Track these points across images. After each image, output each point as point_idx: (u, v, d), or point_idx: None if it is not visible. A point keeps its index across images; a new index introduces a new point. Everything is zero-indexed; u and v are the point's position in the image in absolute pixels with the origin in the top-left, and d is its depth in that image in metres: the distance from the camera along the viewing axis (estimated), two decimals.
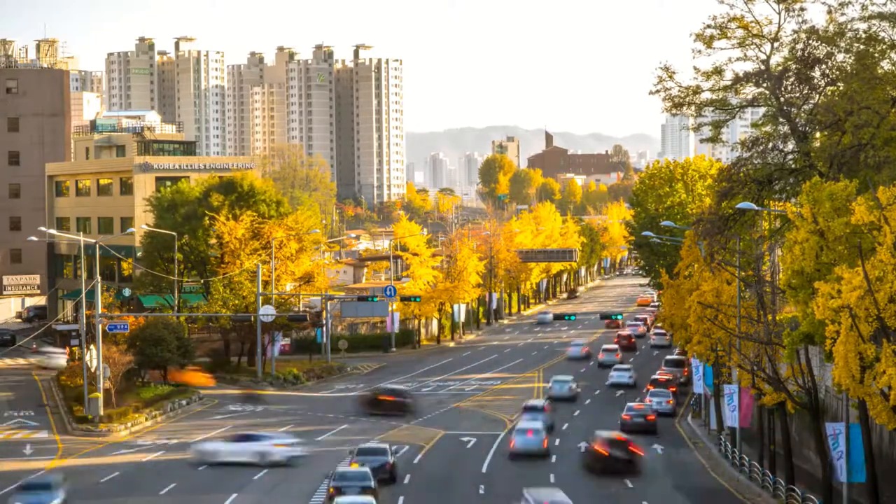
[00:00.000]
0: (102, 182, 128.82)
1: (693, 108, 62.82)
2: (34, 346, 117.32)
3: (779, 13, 59.69)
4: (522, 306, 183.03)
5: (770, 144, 58.62)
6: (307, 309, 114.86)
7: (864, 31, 57.76)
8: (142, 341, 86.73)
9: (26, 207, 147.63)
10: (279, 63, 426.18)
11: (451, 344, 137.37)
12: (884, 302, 36.13)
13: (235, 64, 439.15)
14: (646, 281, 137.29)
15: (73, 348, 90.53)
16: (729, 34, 60.30)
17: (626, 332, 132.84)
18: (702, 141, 73.81)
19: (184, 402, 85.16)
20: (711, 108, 62.73)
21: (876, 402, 37.39)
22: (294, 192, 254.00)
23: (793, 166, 57.96)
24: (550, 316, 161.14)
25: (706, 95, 62.27)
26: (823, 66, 58.34)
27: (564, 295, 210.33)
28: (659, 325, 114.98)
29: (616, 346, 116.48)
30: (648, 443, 68.20)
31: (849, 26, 58.44)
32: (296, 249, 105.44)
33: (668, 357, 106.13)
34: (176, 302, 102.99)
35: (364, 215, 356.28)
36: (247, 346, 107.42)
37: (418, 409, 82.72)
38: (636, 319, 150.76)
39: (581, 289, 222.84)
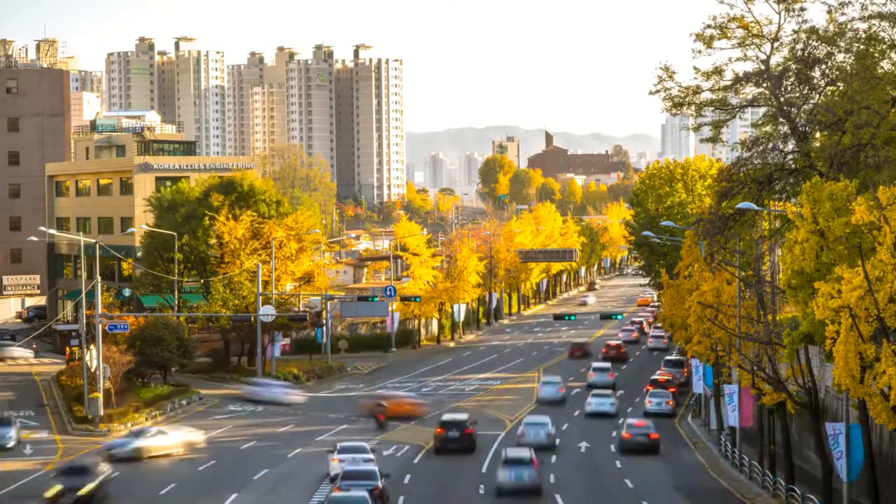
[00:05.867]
0: (102, 182, 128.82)
1: (693, 108, 62.75)
2: (34, 346, 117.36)
3: (779, 13, 59.65)
4: (522, 306, 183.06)
5: (770, 144, 58.56)
6: (307, 309, 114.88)
7: (864, 31, 57.71)
8: (142, 341, 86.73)
9: (26, 207, 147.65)
10: (279, 63, 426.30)
11: (452, 344, 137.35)
12: (884, 302, 36.12)
13: (235, 64, 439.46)
14: (646, 280, 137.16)
15: (74, 348, 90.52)
16: (729, 34, 60.24)
17: (613, 342, 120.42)
18: (702, 141, 73.77)
19: (184, 402, 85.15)
20: (711, 108, 62.65)
21: (876, 402, 37.39)
22: (294, 192, 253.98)
23: (793, 166, 57.93)
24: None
25: (706, 95, 62.22)
26: (823, 66, 58.28)
27: (583, 287, 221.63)
28: (658, 324, 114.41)
29: (608, 366, 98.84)
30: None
31: (849, 26, 58.39)
32: (296, 249, 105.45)
33: (668, 358, 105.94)
34: (176, 302, 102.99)
35: (364, 215, 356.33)
36: (247, 346, 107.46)
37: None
38: (632, 323, 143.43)
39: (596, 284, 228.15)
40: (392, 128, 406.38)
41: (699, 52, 60.80)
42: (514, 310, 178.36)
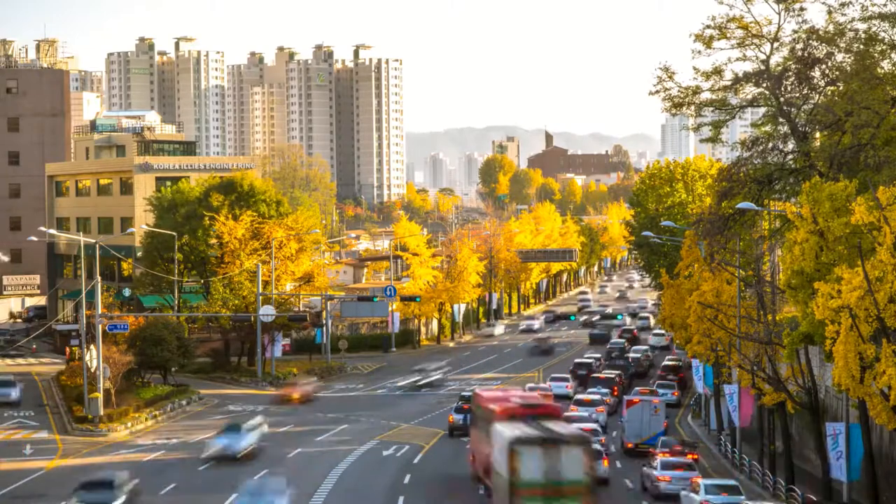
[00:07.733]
0: (102, 182, 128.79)
1: (693, 108, 62.73)
2: (34, 346, 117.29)
3: (778, 13, 59.64)
4: (522, 306, 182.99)
5: (770, 144, 58.57)
6: (307, 309, 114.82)
7: (864, 31, 57.68)
8: (142, 341, 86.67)
9: (26, 207, 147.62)
10: (279, 63, 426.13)
11: (452, 344, 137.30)
12: (884, 302, 36.12)
13: (235, 64, 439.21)
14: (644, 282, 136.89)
15: (74, 348, 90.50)
16: (728, 34, 60.22)
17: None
18: (702, 141, 73.76)
19: (184, 402, 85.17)
20: (711, 109, 62.64)
21: (876, 402, 37.40)
22: (294, 192, 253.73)
23: (793, 166, 57.92)
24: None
25: (706, 95, 62.21)
26: (823, 66, 58.26)
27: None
28: (659, 325, 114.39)
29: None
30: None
31: (849, 26, 58.37)
32: (296, 249, 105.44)
33: (672, 352, 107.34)
34: (176, 302, 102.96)
35: (364, 215, 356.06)
36: (247, 346, 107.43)
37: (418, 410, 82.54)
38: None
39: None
40: (392, 128, 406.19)
41: (699, 52, 60.78)
42: (514, 310, 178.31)
